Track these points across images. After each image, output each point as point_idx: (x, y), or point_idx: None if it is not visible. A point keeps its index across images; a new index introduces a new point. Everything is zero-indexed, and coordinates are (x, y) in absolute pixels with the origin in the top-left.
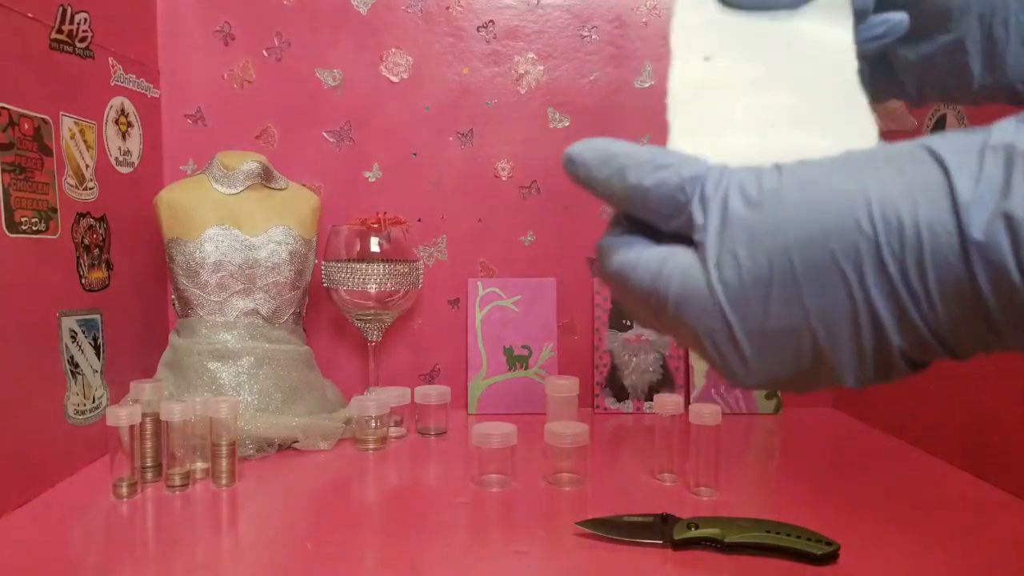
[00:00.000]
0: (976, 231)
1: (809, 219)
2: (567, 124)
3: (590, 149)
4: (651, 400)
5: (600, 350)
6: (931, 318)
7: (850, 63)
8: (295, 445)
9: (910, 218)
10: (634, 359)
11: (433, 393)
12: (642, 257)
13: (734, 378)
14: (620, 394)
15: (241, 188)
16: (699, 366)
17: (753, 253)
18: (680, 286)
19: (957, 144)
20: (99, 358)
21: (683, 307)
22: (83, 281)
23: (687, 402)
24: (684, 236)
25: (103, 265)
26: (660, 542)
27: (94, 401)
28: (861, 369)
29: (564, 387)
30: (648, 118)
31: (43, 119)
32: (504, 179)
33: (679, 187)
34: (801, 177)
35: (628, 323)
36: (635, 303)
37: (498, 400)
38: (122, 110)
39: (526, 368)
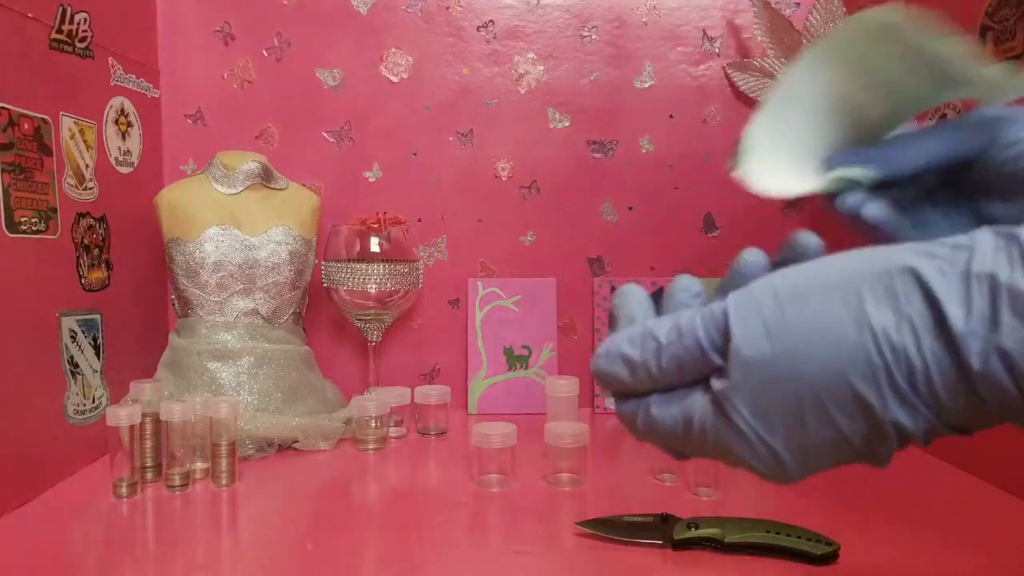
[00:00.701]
0: (975, 362)
1: (823, 356)
2: (567, 124)
3: (609, 364)
4: None
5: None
6: (947, 417)
7: None
8: (295, 445)
9: (914, 349)
10: None
11: (433, 393)
12: (666, 416)
13: (778, 481)
14: (620, 394)
15: (241, 188)
16: None
17: (779, 390)
18: (715, 430)
19: (942, 266)
20: (99, 358)
21: (725, 444)
22: (83, 281)
23: None
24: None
25: (103, 265)
26: (660, 542)
27: (94, 401)
28: (889, 452)
29: (564, 387)
30: (648, 118)
31: (43, 119)
32: (504, 179)
33: (697, 346)
34: (801, 310)
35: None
36: (675, 447)
37: (498, 400)
38: (122, 110)
39: (526, 368)
